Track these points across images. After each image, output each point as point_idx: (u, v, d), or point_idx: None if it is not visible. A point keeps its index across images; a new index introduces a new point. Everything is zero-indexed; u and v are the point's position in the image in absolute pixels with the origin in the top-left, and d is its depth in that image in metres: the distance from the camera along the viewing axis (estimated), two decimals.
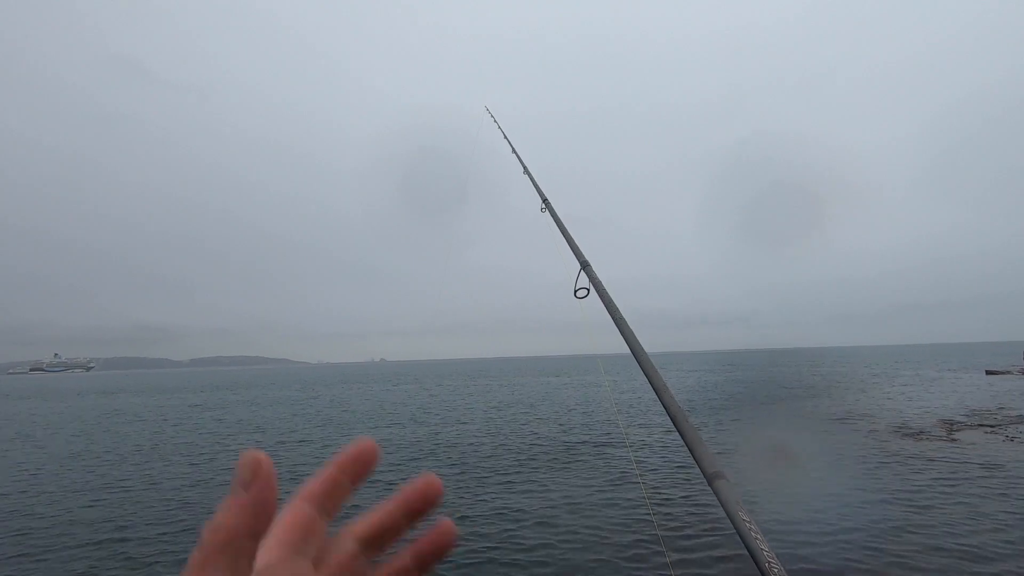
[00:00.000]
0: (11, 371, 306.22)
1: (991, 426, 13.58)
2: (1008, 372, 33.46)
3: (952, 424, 14.01)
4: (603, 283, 1.94)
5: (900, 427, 13.71)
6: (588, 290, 1.94)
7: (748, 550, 1.52)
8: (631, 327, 1.91)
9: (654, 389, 1.88)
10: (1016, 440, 11.66)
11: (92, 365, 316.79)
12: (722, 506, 1.70)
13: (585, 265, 1.98)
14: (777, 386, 29.90)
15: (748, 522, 1.66)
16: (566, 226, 2.25)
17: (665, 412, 1.89)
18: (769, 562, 1.48)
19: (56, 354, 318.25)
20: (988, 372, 34.50)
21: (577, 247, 2.07)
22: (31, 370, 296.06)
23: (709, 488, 1.77)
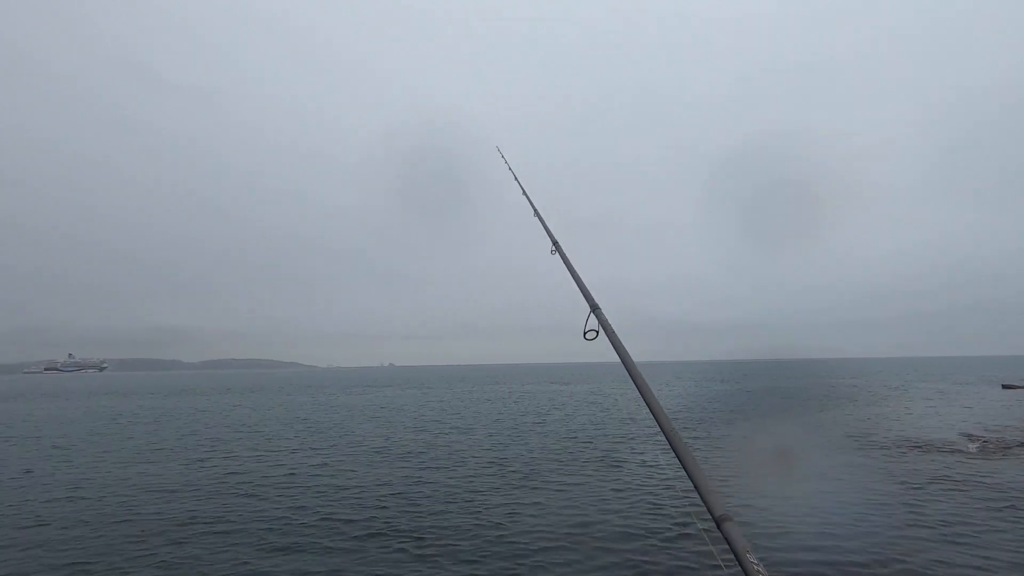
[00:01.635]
0: (26, 370, 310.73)
1: (1010, 443, 13.35)
2: None
3: (977, 440, 13.80)
4: (612, 326, 1.98)
5: (924, 443, 13.46)
6: (597, 332, 1.98)
7: None
8: (640, 371, 1.96)
9: (663, 432, 1.92)
10: None
11: (105, 366, 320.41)
12: (731, 548, 1.74)
13: (595, 308, 2.03)
14: (783, 398, 29.60)
15: (756, 564, 1.70)
16: (576, 269, 2.29)
17: (674, 454, 1.93)
18: None
19: (70, 354, 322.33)
20: (1005, 386, 33.97)
21: (587, 290, 2.11)
22: (46, 369, 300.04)
23: (718, 531, 1.81)
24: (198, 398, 40.54)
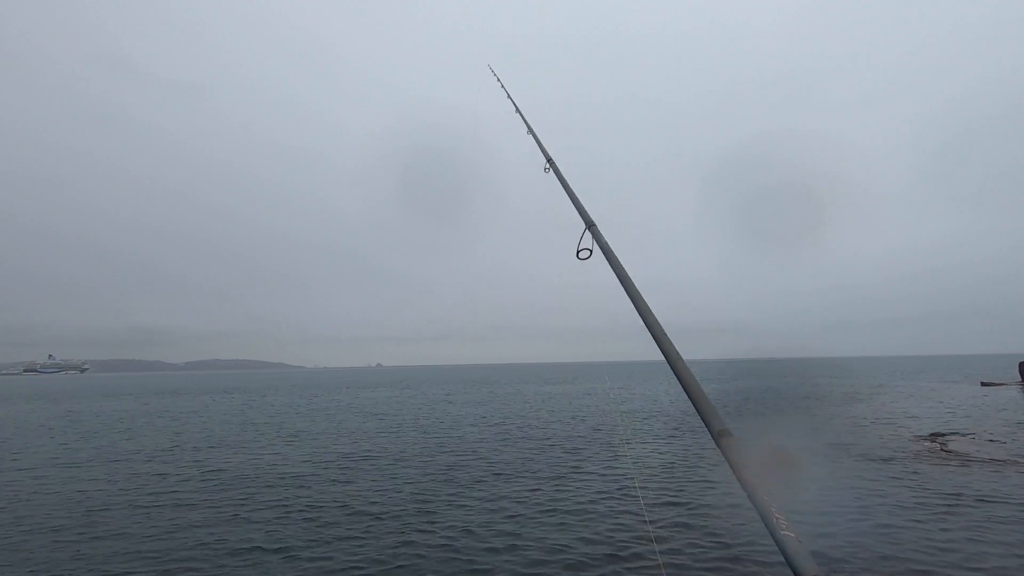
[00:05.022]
0: (4, 372, 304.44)
1: (988, 440, 13.51)
2: (1003, 384, 33.61)
3: (944, 437, 13.95)
4: (609, 245, 1.91)
5: (888, 441, 13.55)
6: (591, 251, 1.91)
7: (755, 506, 1.50)
8: (638, 288, 1.89)
9: (663, 353, 1.86)
10: (1009, 456, 11.47)
11: (86, 367, 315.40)
12: (728, 463, 1.68)
13: (591, 225, 1.95)
14: (767, 398, 29.84)
15: (755, 479, 1.64)
16: (571, 186, 2.21)
17: (674, 375, 1.87)
18: (777, 518, 1.46)
19: (50, 355, 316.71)
20: (983, 384, 34.68)
21: (582, 207, 2.03)
22: (25, 371, 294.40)
23: (716, 446, 1.75)
24: (176, 399, 39.92)
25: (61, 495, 9.81)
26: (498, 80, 3.52)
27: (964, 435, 14.14)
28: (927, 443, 13.11)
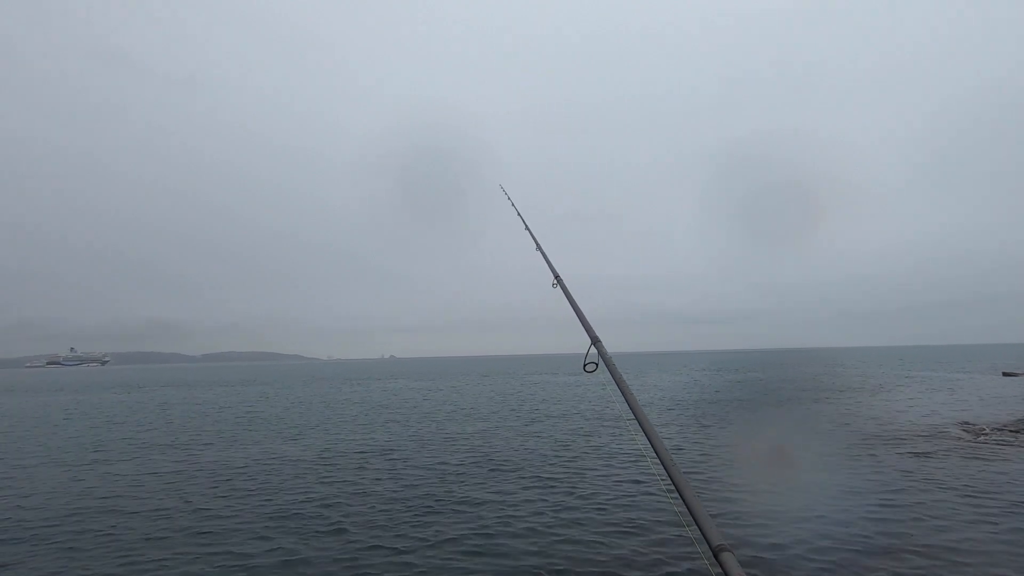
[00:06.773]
0: (29, 364, 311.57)
1: (1014, 431, 13.47)
2: None
3: (974, 427, 13.92)
4: (612, 359, 2.03)
5: (921, 432, 13.51)
6: (596, 364, 2.03)
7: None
8: (638, 403, 2.01)
9: (662, 463, 1.98)
10: None
11: (107, 359, 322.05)
12: None
13: (596, 341, 2.08)
14: (789, 388, 29.64)
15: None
16: (577, 301, 2.34)
17: (671, 483, 1.99)
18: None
19: (72, 348, 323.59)
20: (1005, 374, 34.17)
21: (588, 323, 2.17)
22: (48, 364, 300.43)
23: (715, 561, 1.86)
24: (196, 391, 40.70)
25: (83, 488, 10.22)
26: (509, 199, 3.68)
27: (994, 426, 14.01)
28: (960, 434, 12.95)
